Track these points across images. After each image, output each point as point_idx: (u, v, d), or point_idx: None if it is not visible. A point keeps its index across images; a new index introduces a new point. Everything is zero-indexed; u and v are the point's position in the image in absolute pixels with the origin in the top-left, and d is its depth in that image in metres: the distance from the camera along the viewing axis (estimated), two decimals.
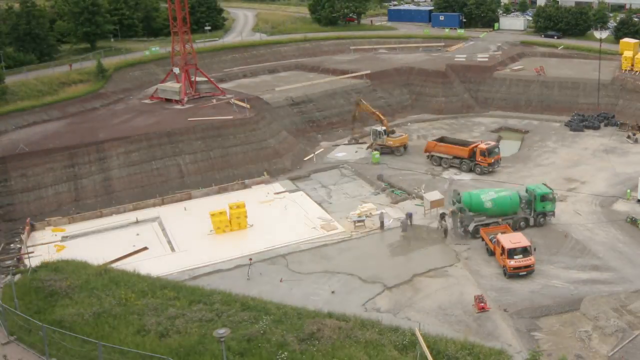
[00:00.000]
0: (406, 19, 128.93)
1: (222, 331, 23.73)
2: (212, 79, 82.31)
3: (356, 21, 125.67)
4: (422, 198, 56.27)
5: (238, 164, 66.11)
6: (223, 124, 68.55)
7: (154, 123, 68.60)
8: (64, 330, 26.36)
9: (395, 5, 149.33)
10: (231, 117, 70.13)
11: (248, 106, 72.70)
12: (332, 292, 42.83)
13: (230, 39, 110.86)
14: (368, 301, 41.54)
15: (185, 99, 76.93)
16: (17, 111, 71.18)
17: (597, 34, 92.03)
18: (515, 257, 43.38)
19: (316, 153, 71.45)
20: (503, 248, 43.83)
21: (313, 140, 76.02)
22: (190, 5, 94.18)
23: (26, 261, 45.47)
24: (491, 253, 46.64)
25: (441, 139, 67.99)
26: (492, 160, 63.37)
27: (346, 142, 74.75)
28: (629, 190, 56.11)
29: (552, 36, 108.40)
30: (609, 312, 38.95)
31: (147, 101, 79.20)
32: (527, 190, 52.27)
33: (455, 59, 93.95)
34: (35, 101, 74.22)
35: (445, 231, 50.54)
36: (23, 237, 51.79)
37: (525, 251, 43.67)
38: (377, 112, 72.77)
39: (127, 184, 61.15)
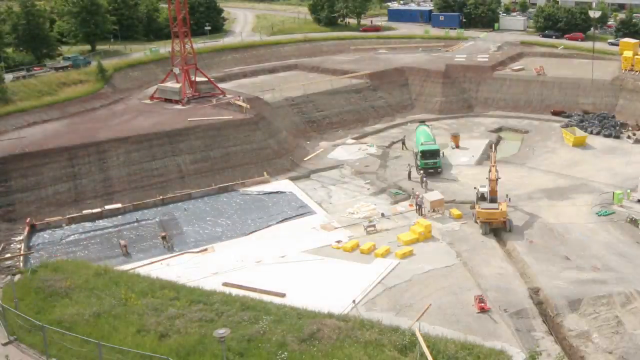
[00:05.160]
0: (406, 19, 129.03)
1: (222, 331, 23.80)
2: (212, 79, 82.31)
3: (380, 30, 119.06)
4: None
5: (238, 164, 66.07)
6: (223, 124, 68.55)
7: (154, 123, 68.58)
8: (64, 331, 26.39)
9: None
10: (231, 117, 70.14)
11: (248, 106, 72.69)
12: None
13: (230, 39, 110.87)
14: (368, 301, 41.56)
15: (185, 99, 76.92)
16: (17, 112, 71.14)
17: (592, 13, 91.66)
18: None
19: (316, 153, 71.44)
20: None
21: (313, 140, 76.03)
22: (190, 6, 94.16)
23: (21, 262, 45.56)
24: None
25: None
26: None
27: None
28: (628, 191, 55.96)
29: (550, 36, 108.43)
30: (609, 312, 38.93)
31: (147, 101, 79.16)
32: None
33: (455, 59, 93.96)
34: (35, 101, 74.14)
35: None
36: (23, 237, 51.81)
37: None
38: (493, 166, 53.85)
39: (127, 184, 61.12)
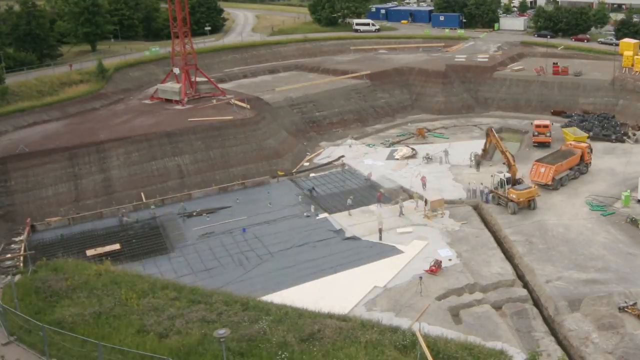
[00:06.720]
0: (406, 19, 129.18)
1: (222, 331, 23.75)
2: (212, 80, 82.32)
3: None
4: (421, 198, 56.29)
5: (238, 164, 66.11)
6: (223, 124, 68.55)
7: (154, 123, 68.60)
8: (64, 331, 26.35)
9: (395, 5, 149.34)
10: (231, 117, 70.14)
11: (248, 106, 72.69)
12: None
13: (230, 39, 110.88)
14: (368, 301, 41.56)
15: (186, 99, 76.93)
16: (17, 111, 71.19)
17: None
18: None
19: (316, 153, 71.44)
20: None
21: (313, 140, 76.02)
22: (190, 6, 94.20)
23: (21, 262, 45.44)
24: None
25: None
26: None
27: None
28: (628, 191, 55.86)
29: (545, 36, 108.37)
30: (609, 312, 38.93)
31: (147, 101, 79.21)
32: None
33: (455, 59, 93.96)
34: (36, 101, 74.23)
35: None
36: (23, 237, 51.80)
37: None
38: (507, 152, 57.89)
39: (127, 184, 61.13)
